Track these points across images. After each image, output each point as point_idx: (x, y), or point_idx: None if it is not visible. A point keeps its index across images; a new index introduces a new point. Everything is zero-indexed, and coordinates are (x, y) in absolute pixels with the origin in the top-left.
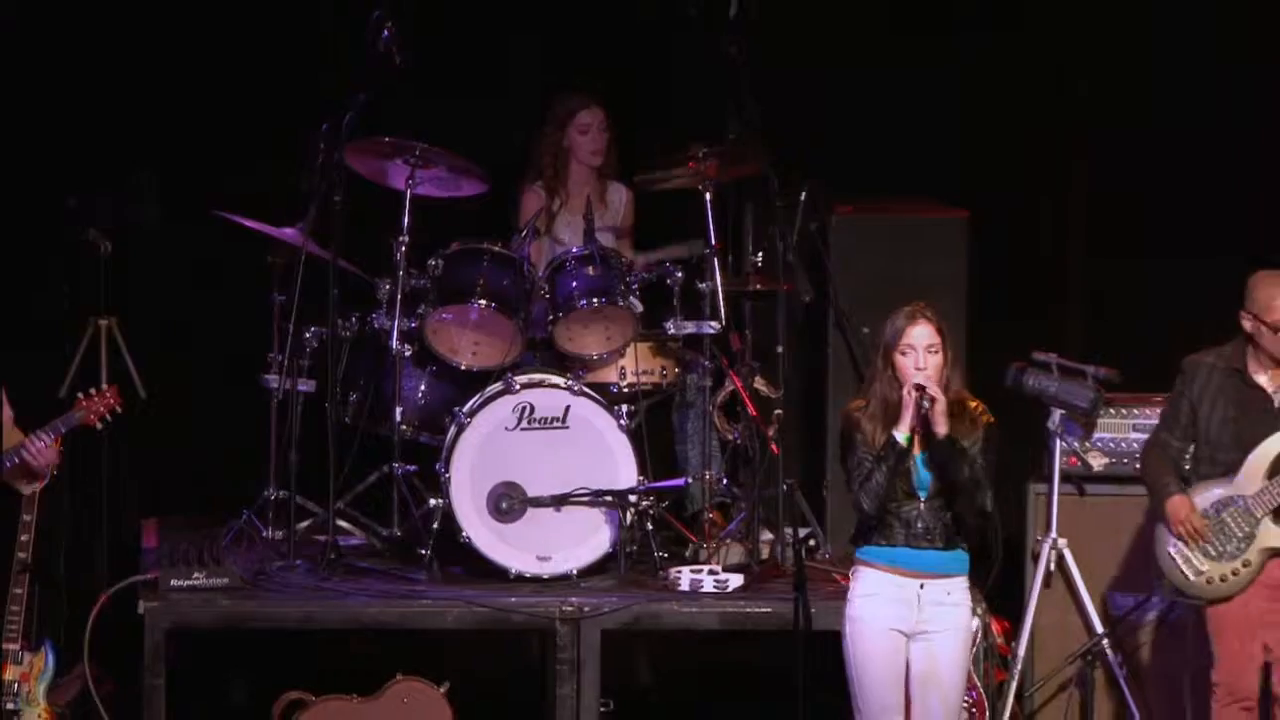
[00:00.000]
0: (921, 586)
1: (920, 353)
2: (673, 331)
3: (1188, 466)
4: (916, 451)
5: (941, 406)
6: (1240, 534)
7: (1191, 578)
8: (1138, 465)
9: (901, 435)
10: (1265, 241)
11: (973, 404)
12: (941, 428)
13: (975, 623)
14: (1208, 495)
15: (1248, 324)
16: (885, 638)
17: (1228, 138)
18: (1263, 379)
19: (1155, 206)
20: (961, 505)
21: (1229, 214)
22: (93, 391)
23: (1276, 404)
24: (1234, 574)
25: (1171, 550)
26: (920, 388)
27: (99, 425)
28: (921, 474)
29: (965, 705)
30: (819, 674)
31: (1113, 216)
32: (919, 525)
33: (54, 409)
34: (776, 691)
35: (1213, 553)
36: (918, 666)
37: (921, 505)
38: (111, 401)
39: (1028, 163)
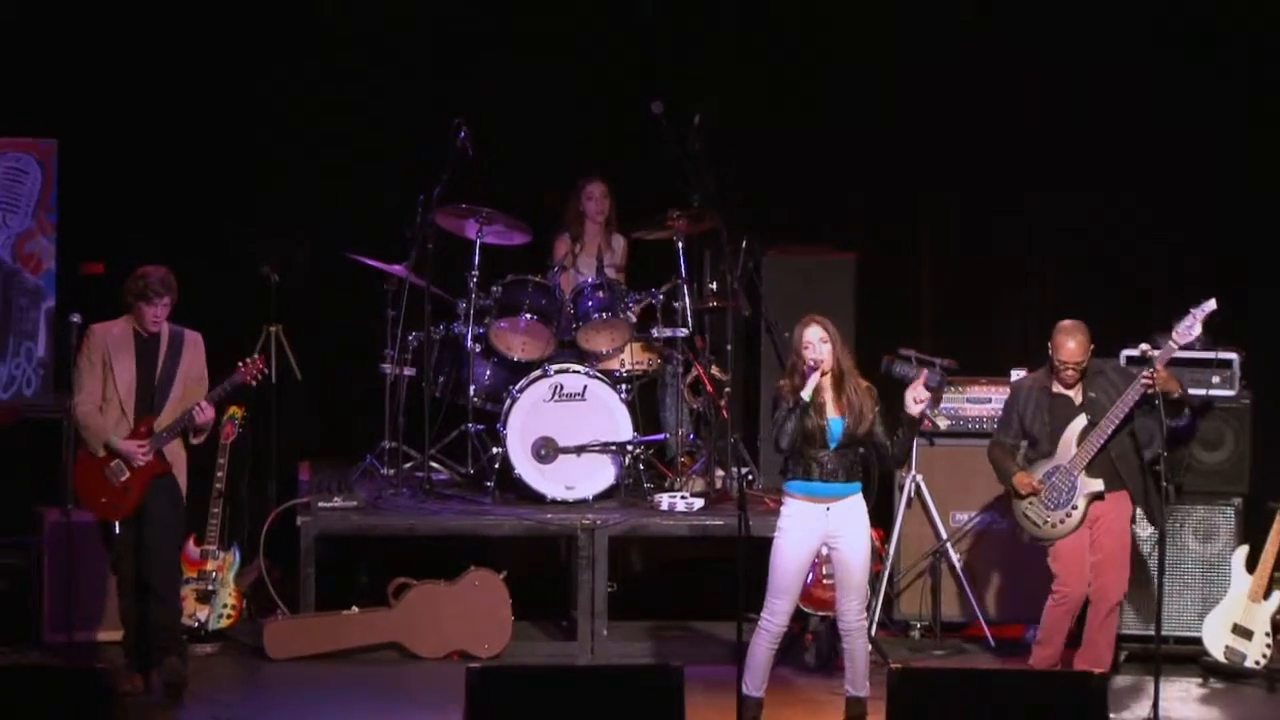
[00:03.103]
0: (828, 508)
1: (815, 345)
2: (656, 335)
3: (1020, 455)
4: (830, 416)
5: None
6: (1065, 488)
7: (1041, 526)
8: (988, 454)
9: (806, 394)
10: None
11: (864, 383)
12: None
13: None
14: (1039, 470)
15: (1051, 354)
16: (800, 544)
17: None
18: (1064, 390)
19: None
20: (881, 459)
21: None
22: (246, 360)
23: (1077, 403)
24: (1068, 516)
25: (1025, 511)
26: (814, 365)
27: (253, 383)
28: (833, 431)
29: None
30: (753, 565)
31: (952, 253)
32: (828, 466)
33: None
34: (724, 575)
35: (1050, 505)
36: (838, 558)
37: (831, 452)
38: (260, 365)
39: (896, 218)
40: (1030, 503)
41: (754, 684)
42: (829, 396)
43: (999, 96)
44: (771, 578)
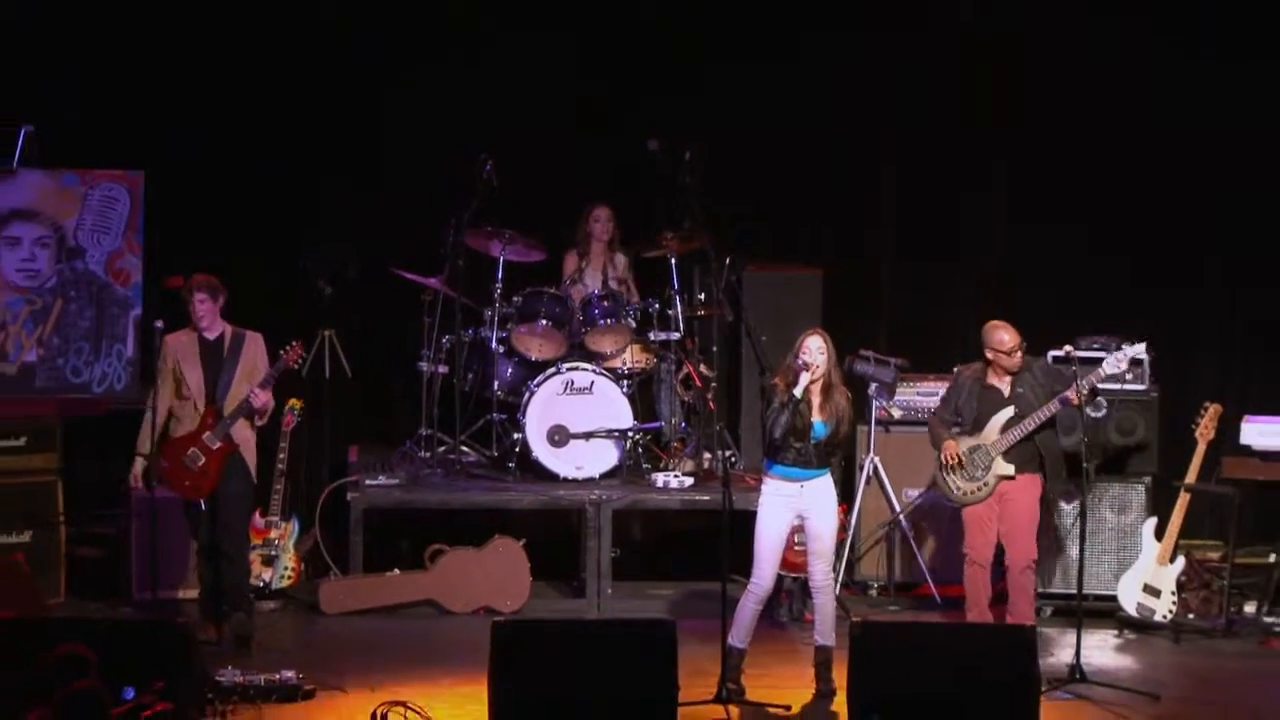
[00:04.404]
0: (801, 486)
1: (813, 352)
2: (653, 338)
3: (955, 430)
4: (816, 418)
5: (815, 382)
6: (982, 467)
7: (954, 492)
8: (927, 425)
9: (798, 392)
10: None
11: (848, 394)
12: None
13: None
14: (964, 444)
15: (989, 354)
16: (778, 516)
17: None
18: (997, 383)
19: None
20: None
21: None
22: (286, 347)
23: (1006, 395)
24: (978, 490)
25: (945, 476)
26: (806, 364)
27: (296, 366)
28: (817, 431)
29: None
30: (735, 534)
31: (905, 270)
32: (806, 455)
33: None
34: (710, 543)
35: (965, 478)
36: (809, 528)
37: (810, 445)
38: (299, 350)
39: (856, 240)
40: (950, 470)
41: (739, 637)
42: (817, 401)
43: (959, 97)
44: (756, 548)
